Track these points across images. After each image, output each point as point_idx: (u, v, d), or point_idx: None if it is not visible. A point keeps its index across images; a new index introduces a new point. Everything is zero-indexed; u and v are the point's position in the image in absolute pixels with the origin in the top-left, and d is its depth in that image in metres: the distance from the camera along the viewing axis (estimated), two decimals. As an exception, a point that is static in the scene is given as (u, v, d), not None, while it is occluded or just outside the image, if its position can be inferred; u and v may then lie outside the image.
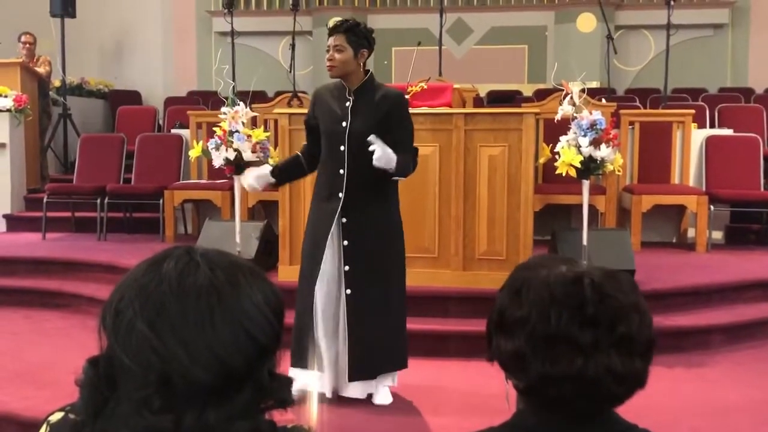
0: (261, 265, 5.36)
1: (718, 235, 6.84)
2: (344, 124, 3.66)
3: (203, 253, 1.07)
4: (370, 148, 3.52)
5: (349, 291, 3.68)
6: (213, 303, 1.02)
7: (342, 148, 3.65)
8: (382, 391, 3.81)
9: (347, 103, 3.68)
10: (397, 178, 3.68)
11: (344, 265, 3.69)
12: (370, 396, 3.82)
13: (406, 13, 10.95)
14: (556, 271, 1.20)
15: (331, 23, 3.74)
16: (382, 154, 3.51)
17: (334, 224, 3.67)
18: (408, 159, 3.65)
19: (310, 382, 3.68)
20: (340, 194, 3.67)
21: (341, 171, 3.66)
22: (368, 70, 3.76)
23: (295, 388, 1.12)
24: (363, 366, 3.70)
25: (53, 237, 7.25)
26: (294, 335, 3.74)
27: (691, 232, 6.73)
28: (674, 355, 4.56)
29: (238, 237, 5.21)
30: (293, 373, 3.66)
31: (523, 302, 1.19)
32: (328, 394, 3.75)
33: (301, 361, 3.71)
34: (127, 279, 1.06)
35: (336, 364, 3.76)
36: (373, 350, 3.69)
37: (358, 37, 3.65)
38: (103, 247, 6.73)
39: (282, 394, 1.08)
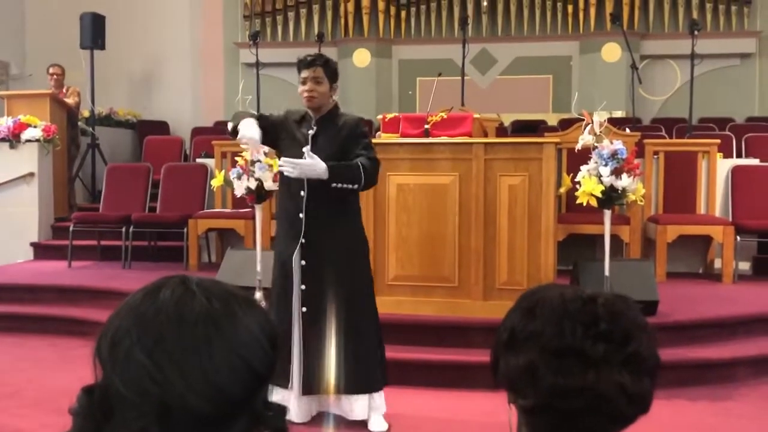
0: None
1: (745, 266, 6.75)
2: (304, 150, 3.74)
3: (198, 282, 1.07)
4: (280, 167, 3.69)
5: (305, 309, 3.81)
6: (210, 332, 1.02)
7: None
8: (374, 417, 3.88)
9: (309, 131, 3.84)
10: (347, 186, 3.71)
11: (301, 284, 3.83)
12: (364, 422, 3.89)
13: (430, 44, 11.02)
14: (569, 290, 1.23)
15: (304, 57, 3.84)
16: (296, 165, 3.62)
17: (297, 245, 3.81)
18: (352, 167, 3.69)
19: (285, 399, 3.78)
20: (300, 215, 3.80)
21: (302, 193, 3.80)
22: (335, 102, 3.93)
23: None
24: (314, 381, 3.80)
25: (79, 265, 7.33)
26: None
27: (717, 263, 6.64)
28: (698, 388, 4.49)
29: (259, 266, 5.22)
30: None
31: (537, 317, 1.21)
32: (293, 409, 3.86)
33: (281, 379, 3.81)
34: (123, 308, 1.06)
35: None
36: (331, 368, 3.77)
37: (333, 71, 3.84)
38: (127, 275, 6.79)
39: (276, 422, 1.08)
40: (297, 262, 3.82)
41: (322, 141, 3.81)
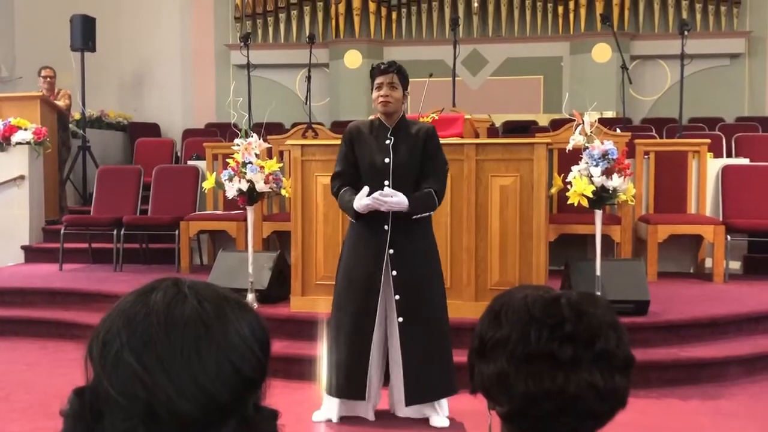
0: (273, 295, 5.39)
1: (735, 265, 6.77)
2: (387, 160, 3.86)
3: (191, 285, 1.07)
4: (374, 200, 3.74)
5: (401, 319, 3.86)
6: (200, 335, 1.01)
7: (386, 182, 3.83)
8: (439, 416, 3.98)
9: (387, 141, 3.89)
10: (425, 214, 3.89)
11: (395, 294, 3.86)
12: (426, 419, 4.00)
13: (421, 45, 11.03)
14: (534, 293, 1.22)
15: (378, 64, 3.92)
16: (384, 203, 3.74)
17: (384, 256, 3.85)
18: (427, 197, 3.83)
19: (359, 409, 3.97)
20: (386, 227, 3.85)
21: None
22: (404, 110, 4.02)
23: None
24: (420, 391, 3.89)
25: (70, 268, 7.31)
26: (342, 365, 3.92)
27: (708, 262, 6.66)
28: (690, 387, 4.51)
29: (251, 267, 5.21)
30: (340, 401, 3.98)
31: (503, 324, 1.20)
32: (371, 418, 4.00)
33: (357, 392, 3.92)
34: (115, 310, 1.06)
35: (379, 389, 4.03)
36: (428, 376, 3.88)
37: (405, 78, 3.91)
38: (119, 278, 6.77)
39: (267, 427, 1.07)
40: (387, 273, 3.87)
41: (401, 148, 3.88)
